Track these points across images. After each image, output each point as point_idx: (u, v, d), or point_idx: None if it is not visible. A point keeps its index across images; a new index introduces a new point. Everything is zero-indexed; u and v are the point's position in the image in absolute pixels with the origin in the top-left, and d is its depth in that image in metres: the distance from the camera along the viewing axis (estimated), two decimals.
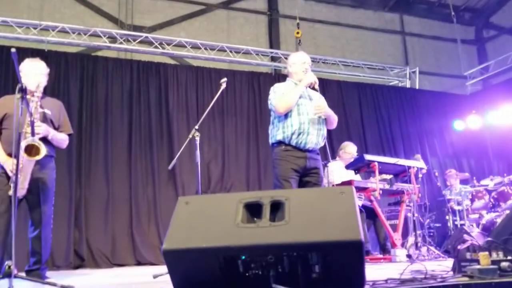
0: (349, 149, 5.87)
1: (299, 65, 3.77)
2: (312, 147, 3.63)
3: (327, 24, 9.09)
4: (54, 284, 2.56)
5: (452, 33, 9.72)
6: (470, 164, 9.02)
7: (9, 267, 2.45)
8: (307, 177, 3.63)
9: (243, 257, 1.80)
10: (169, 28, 7.86)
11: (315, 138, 3.62)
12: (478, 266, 2.12)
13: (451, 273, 2.34)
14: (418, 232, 5.20)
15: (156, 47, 7.36)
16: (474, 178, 7.07)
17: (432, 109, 8.85)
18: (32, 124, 3.16)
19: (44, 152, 3.26)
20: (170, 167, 4.10)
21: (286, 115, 3.62)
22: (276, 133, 3.66)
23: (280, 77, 7.72)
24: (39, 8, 7.05)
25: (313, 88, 3.72)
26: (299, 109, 3.62)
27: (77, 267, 5.87)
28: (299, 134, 3.56)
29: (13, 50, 2.56)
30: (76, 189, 6.19)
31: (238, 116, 7.47)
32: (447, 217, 6.65)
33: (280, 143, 3.64)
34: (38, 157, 3.25)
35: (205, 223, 1.92)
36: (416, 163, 5.34)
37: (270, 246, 1.79)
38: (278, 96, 3.64)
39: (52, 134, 3.60)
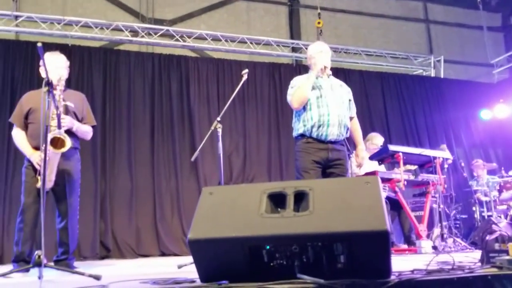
0: (376, 141, 5.78)
1: (316, 55, 3.74)
2: (334, 138, 3.59)
3: (349, 13, 8.96)
4: (82, 274, 2.61)
5: (477, 20, 9.46)
6: (498, 154, 8.81)
7: (39, 256, 2.50)
8: (331, 168, 3.61)
9: (268, 247, 1.80)
10: (190, 21, 7.88)
11: (337, 130, 3.58)
12: (507, 257, 2.07)
13: (479, 264, 2.29)
14: (444, 223, 5.11)
15: (177, 40, 7.39)
16: (502, 168, 6.91)
17: (458, 98, 8.66)
18: (58, 117, 3.21)
19: (70, 144, 3.31)
20: (192, 159, 4.11)
21: (305, 108, 3.61)
22: (298, 126, 3.67)
23: (301, 67, 7.67)
24: (62, 4, 7.15)
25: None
26: (319, 102, 3.59)
27: (103, 257, 5.99)
28: (319, 127, 3.54)
29: (39, 44, 2.60)
30: (101, 182, 6.29)
31: (259, 108, 7.46)
32: (473, 208, 6.54)
33: (301, 136, 3.64)
34: (63, 150, 3.30)
35: (229, 213, 1.92)
36: (442, 153, 5.24)
37: (294, 236, 1.78)
38: (293, 91, 3.65)
39: (77, 126, 3.65)
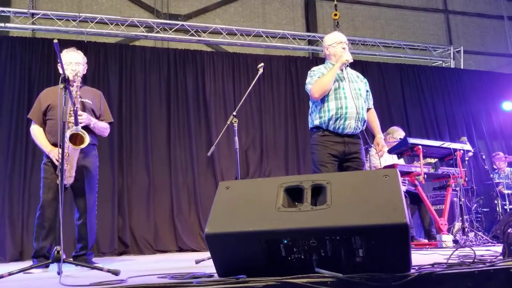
0: (397, 134, 5.70)
1: (336, 45, 3.68)
2: (351, 131, 3.53)
3: (366, 4, 8.84)
4: (100, 269, 2.61)
5: (498, 10, 9.25)
6: None
7: (58, 252, 2.52)
8: (348, 162, 3.55)
9: (285, 241, 1.77)
10: (204, 16, 7.86)
11: (354, 123, 3.53)
12: None
13: (501, 257, 2.23)
14: (465, 217, 5.01)
15: (192, 35, 7.39)
16: None
17: (478, 89, 8.50)
18: (75, 113, 3.22)
19: (88, 140, 3.34)
20: (209, 153, 4.10)
21: (322, 100, 3.54)
22: (314, 118, 3.60)
23: (317, 60, 7.60)
24: (77, 0, 7.21)
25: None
26: (337, 93, 3.53)
27: (121, 253, 6.04)
28: (336, 120, 3.48)
29: (55, 41, 2.60)
30: (118, 178, 6.34)
31: (276, 102, 7.42)
32: (495, 202, 6.43)
33: (318, 128, 3.58)
34: (82, 146, 3.33)
35: (246, 207, 1.90)
36: (462, 146, 5.13)
37: (312, 230, 1.75)
38: (314, 81, 3.57)
39: (94, 122, 3.66)
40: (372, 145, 3.92)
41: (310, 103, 3.71)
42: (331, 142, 3.50)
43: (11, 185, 5.89)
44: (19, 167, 5.98)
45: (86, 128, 3.53)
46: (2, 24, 6.61)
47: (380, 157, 3.92)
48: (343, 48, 3.66)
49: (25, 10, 6.70)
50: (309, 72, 3.70)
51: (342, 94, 3.52)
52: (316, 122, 3.57)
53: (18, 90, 6.22)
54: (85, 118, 3.53)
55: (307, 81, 3.66)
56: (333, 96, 3.52)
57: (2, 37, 6.54)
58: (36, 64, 6.37)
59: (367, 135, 3.83)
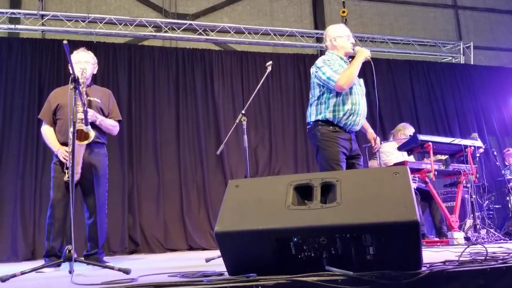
0: (407, 131, 5.65)
1: (346, 38, 3.62)
2: (358, 128, 3.52)
3: (374, 1, 8.78)
4: (111, 267, 2.63)
5: (508, 4, 9.15)
6: None
7: (69, 251, 2.53)
8: (352, 159, 3.52)
9: (295, 239, 1.77)
10: (212, 14, 7.86)
11: (362, 120, 3.52)
12: None
13: None
14: (477, 214, 4.96)
15: (200, 34, 7.40)
16: None
17: (489, 85, 8.41)
18: (85, 113, 3.22)
19: (93, 135, 3.35)
20: (218, 152, 4.10)
21: (339, 93, 3.42)
22: (326, 110, 3.45)
23: None
24: (86, 1, 7.25)
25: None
26: (352, 88, 3.46)
27: (132, 252, 6.07)
28: (350, 115, 3.43)
29: (65, 42, 2.61)
30: (128, 177, 6.38)
31: (284, 99, 7.41)
32: (507, 198, 6.37)
33: (327, 122, 3.45)
34: (87, 141, 3.35)
35: (256, 205, 1.90)
36: (473, 142, 5.08)
37: (322, 227, 1.74)
38: (335, 71, 3.41)
39: (100, 119, 3.67)
40: (382, 142, 3.90)
41: (318, 94, 3.52)
42: (341, 139, 3.43)
43: (22, 185, 5.95)
44: (30, 166, 6.03)
45: (93, 125, 3.54)
46: (13, 26, 6.68)
47: (376, 150, 3.88)
48: (352, 43, 3.62)
49: (35, 12, 6.76)
50: (320, 61, 3.53)
51: (355, 90, 3.49)
52: (329, 115, 3.43)
53: (28, 91, 6.27)
54: (90, 115, 3.54)
55: (324, 70, 3.45)
56: (348, 90, 3.45)
57: (13, 38, 6.60)
58: (46, 65, 6.43)
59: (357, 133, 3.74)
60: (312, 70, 3.59)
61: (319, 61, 3.55)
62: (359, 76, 3.57)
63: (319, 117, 3.48)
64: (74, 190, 2.73)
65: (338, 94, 3.44)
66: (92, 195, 3.65)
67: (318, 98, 3.52)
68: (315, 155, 3.69)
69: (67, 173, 3.42)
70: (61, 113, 3.64)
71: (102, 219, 3.71)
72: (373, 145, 3.78)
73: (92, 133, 3.33)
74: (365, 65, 3.55)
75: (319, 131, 3.47)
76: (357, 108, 3.45)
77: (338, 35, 3.64)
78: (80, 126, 3.22)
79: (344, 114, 3.42)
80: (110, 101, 3.87)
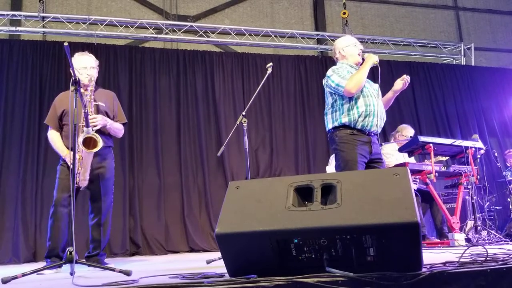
0: (407, 132, 5.67)
1: (353, 47, 3.68)
2: (376, 130, 3.52)
3: (375, 2, 8.79)
4: (112, 269, 2.63)
5: (509, 5, 9.15)
6: None
7: (70, 253, 2.54)
8: (373, 162, 3.51)
9: (296, 241, 1.77)
10: (213, 16, 7.88)
11: (379, 121, 3.51)
12: None
13: None
14: (478, 215, 4.96)
15: (201, 35, 7.41)
16: None
17: (490, 86, 8.41)
18: (86, 115, 3.23)
19: (102, 143, 3.35)
20: (219, 154, 4.11)
21: (351, 97, 3.47)
22: (341, 116, 3.49)
23: (327, 59, 7.58)
24: (87, 3, 7.27)
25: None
26: (363, 91, 3.50)
27: (133, 254, 6.08)
28: (365, 117, 3.44)
29: (65, 43, 2.62)
30: (129, 179, 6.38)
31: (285, 101, 7.40)
32: (508, 199, 6.35)
33: (345, 126, 3.48)
34: (96, 149, 3.35)
35: (256, 207, 1.90)
36: (474, 144, 5.08)
37: (322, 229, 1.75)
38: (346, 77, 3.47)
39: (110, 123, 3.69)
40: (383, 143, 3.90)
41: (331, 101, 3.59)
42: (360, 142, 3.44)
43: (24, 188, 5.95)
44: (31, 169, 6.04)
45: (101, 130, 3.55)
46: (13, 28, 6.69)
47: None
48: (361, 50, 3.68)
49: (36, 14, 6.77)
50: (331, 70, 3.60)
51: (367, 93, 3.51)
52: (344, 120, 3.46)
53: (29, 93, 6.28)
54: (100, 119, 3.55)
55: (333, 78, 3.52)
56: (360, 94, 3.48)
57: (14, 40, 6.61)
58: (47, 67, 6.43)
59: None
60: (324, 80, 3.67)
61: (329, 71, 3.62)
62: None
63: (336, 124, 3.54)
64: (77, 193, 2.73)
65: (350, 99, 3.48)
66: (98, 198, 3.66)
67: (332, 105, 3.59)
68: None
69: (78, 177, 3.40)
70: (67, 119, 3.64)
71: (107, 221, 3.71)
72: (404, 80, 3.82)
73: (101, 141, 3.33)
74: (373, 70, 3.58)
75: (337, 135, 3.51)
76: (372, 109, 3.46)
77: (345, 44, 3.72)
78: (87, 133, 3.23)
79: (359, 116, 3.44)
80: (114, 104, 3.88)
